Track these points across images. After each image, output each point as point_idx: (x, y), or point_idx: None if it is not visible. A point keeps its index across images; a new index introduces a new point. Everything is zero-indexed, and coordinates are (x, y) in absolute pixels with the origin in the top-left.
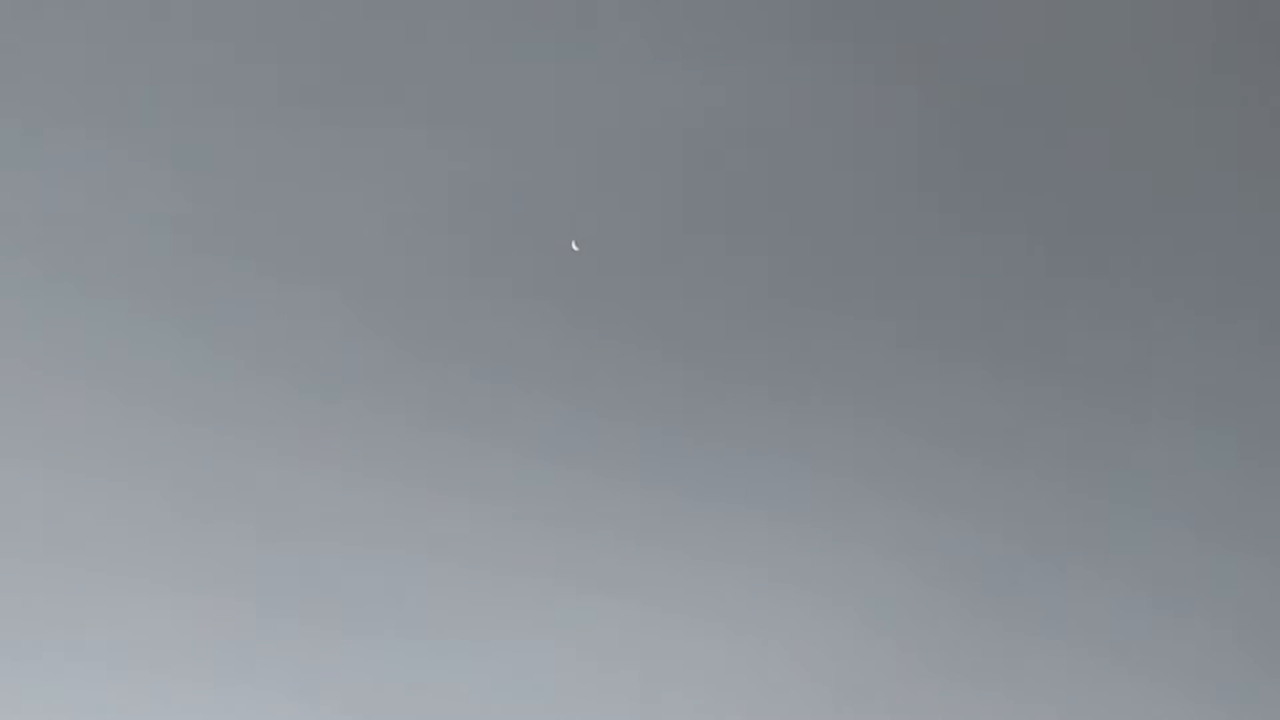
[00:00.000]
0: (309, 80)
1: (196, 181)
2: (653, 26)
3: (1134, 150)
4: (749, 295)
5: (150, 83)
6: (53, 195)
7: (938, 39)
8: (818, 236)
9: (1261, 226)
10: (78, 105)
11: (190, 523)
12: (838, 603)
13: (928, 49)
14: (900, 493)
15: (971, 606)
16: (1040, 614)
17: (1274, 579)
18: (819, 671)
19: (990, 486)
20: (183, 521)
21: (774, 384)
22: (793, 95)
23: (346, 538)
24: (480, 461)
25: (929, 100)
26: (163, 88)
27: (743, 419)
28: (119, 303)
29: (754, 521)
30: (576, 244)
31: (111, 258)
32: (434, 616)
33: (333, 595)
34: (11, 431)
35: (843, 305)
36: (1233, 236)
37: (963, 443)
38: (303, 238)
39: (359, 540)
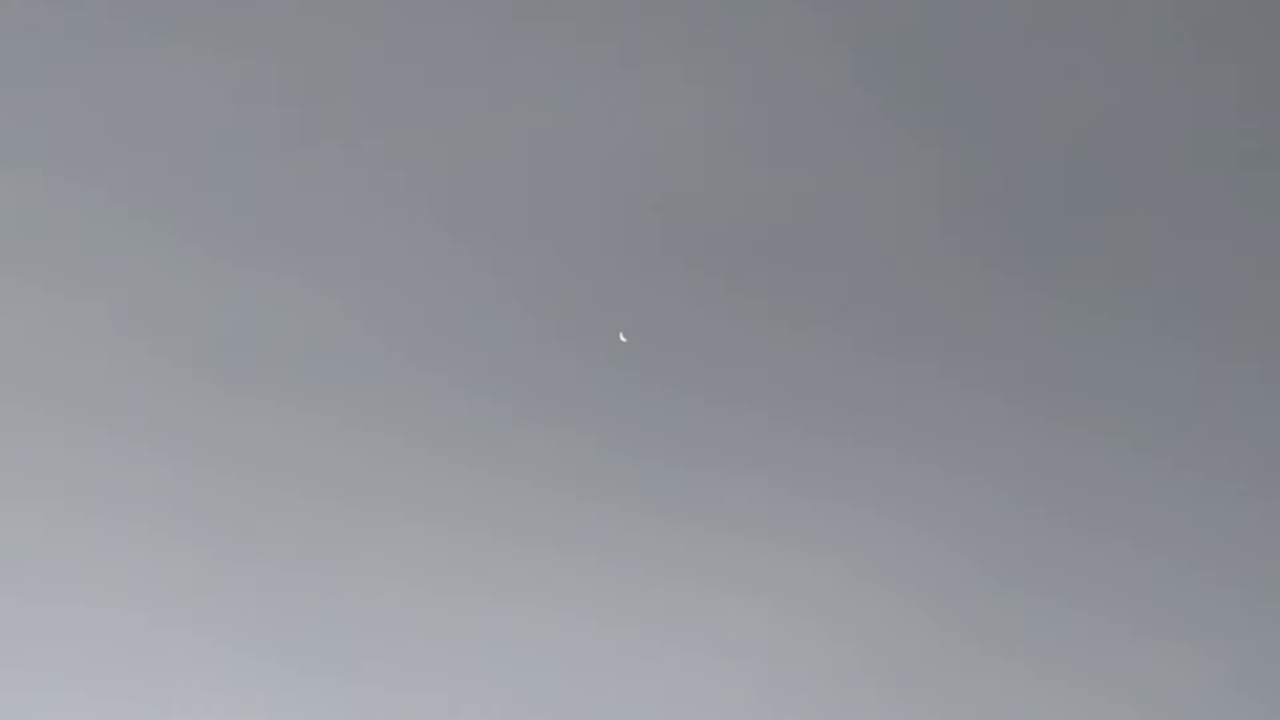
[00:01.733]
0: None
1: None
2: (664, 38)
3: (1153, 187)
4: (754, 304)
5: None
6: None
7: (945, 61)
8: (821, 249)
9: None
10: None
11: (196, 484)
12: (869, 578)
13: (935, 67)
14: (931, 468)
15: (1006, 583)
16: (1074, 588)
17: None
18: (849, 646)
19: (1016, 461)
20: (186, 484)
21: (812, 363)
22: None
23: (351, 513)
24: (520, 438)
25: (944, 127)
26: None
27: (777, 394)
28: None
29: (786, 497)
30: (624, 335)
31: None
32: (445, 612)
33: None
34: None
35: (849, 311)
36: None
37: (990, 413)
38: (294, 244)
39: (365, 517)
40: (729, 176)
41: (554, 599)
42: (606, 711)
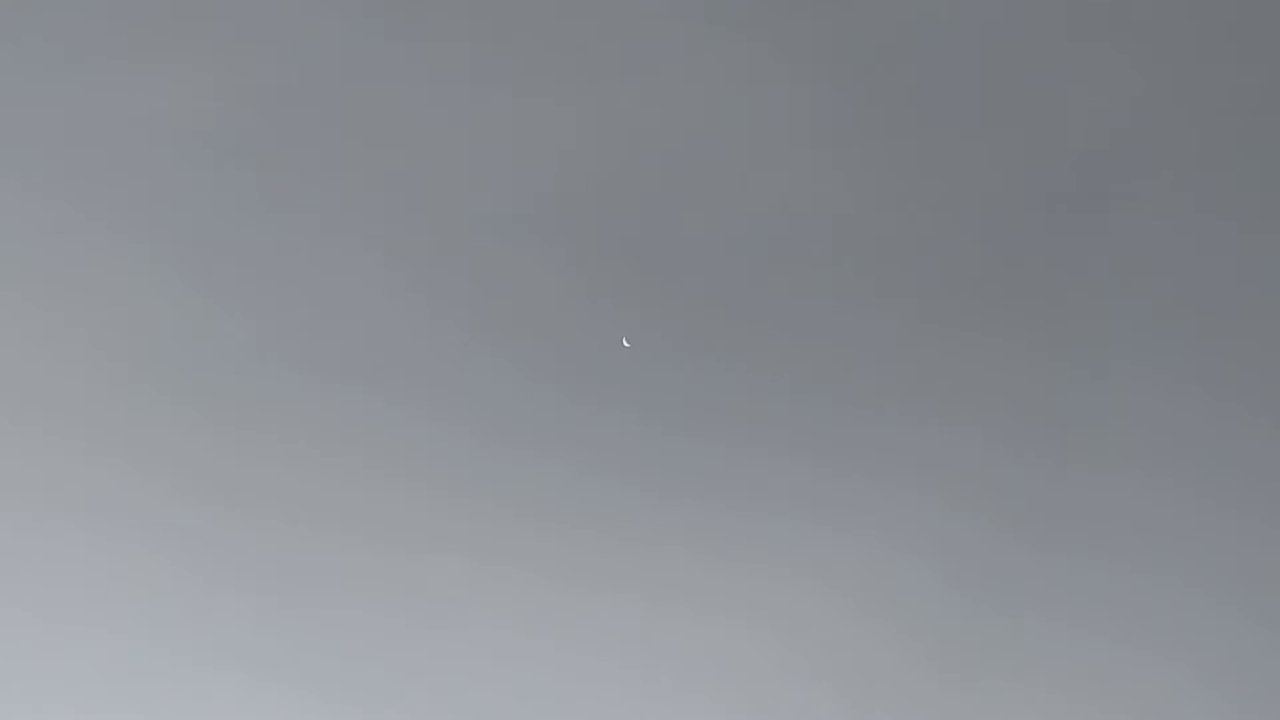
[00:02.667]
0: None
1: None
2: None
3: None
4: (738, 322)
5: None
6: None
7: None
8: (803, 244)
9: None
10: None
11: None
12: (844, 592)
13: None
14: (908, 481)
15: (981, 594)
16: (1059, 603)
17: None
18: (824, 661)
19: (995, 471)
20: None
21: (777, 378)
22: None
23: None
24: (485, 457)
25: (917, 121)
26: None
27: (747, 411)
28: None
29: (759, 512)
30: (626, 340)
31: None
32: (434, 613)
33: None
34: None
35: (836, 328)
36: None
37: (969, 424)
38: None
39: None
40: (718, 186)
41: (539, 620)
42: (604, 688)
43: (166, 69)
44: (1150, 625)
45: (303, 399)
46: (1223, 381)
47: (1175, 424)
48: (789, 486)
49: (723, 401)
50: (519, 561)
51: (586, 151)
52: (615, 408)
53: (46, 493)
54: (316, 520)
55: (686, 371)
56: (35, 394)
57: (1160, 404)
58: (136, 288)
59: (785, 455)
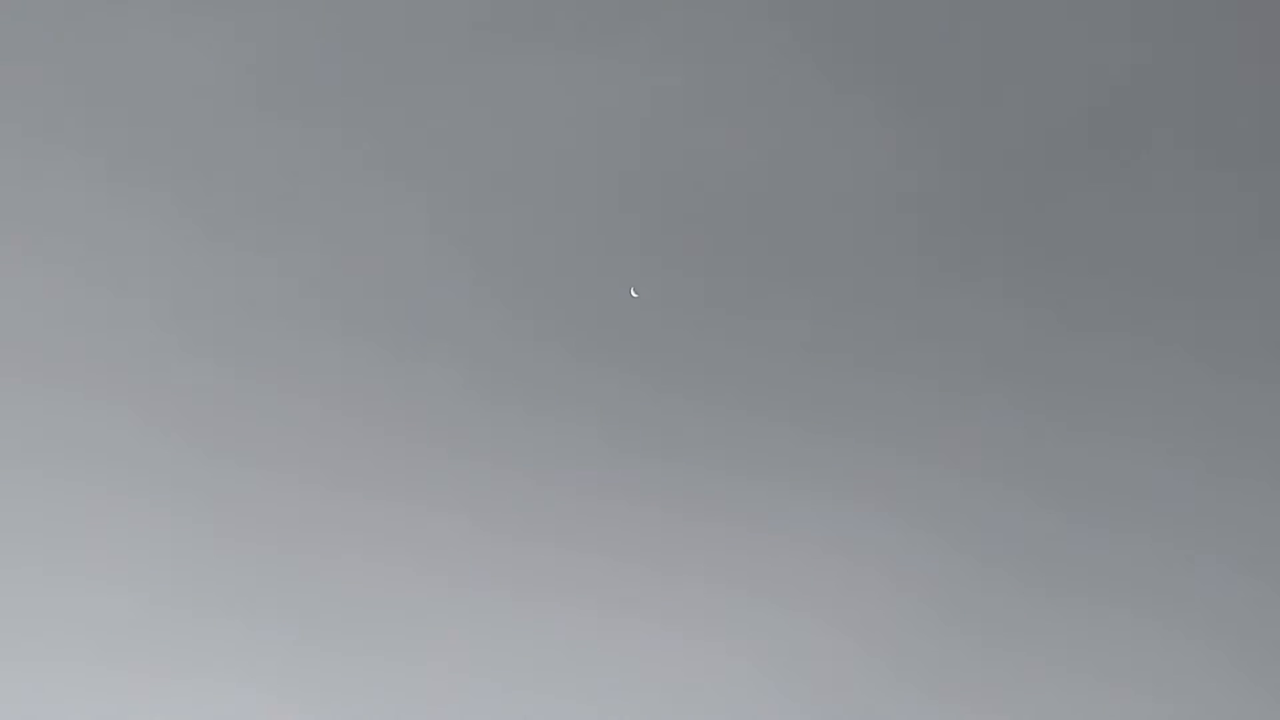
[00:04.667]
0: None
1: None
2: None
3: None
4: (754, 301)
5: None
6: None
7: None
8: (800, 242)
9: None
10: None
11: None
12: (873, 575)
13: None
14: (933, 464)
15: (1007, 578)
16: (1075, 581)
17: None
18: (855, 644)
19: (1016, 457)
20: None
21: (797, 353)
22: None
23: (335, 542)
24: (466, 469)
25: (912, 94)
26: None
27: (779, 391)
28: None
29: (789, 494)
30: (634, 291)
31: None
32: (420, 622)
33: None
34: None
35: (849, 306)
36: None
37: (989, 408)
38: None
39: (347, 543)
40: (719, 172)
41: (555, 594)
42: (604, 706)
43: (208, 21)
44: (1183, 609)
45: (332, 361)
46: (1228, 363)
47: (1188, 406)
48: (821, 467)
49: (755, 384)
50: (552, 537)
51: (624, 125)
52: (654, 388)
53: (58, 461)
54: (337, 482)
55: (723, 354)
56: (45, 363)
57: (1173, 381)
58: (167, 245)
59: (821, 437)
